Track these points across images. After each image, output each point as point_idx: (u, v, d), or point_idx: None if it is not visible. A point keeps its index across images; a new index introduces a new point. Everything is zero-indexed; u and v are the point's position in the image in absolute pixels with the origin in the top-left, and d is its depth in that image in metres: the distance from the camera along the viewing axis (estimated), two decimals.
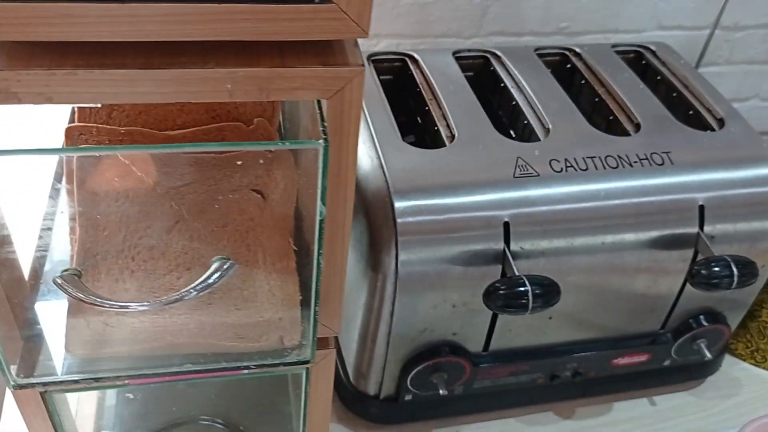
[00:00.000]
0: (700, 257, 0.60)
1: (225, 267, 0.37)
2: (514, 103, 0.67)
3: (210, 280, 0.37)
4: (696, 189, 0.60)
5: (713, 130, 0.66)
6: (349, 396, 0.67)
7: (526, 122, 0.65)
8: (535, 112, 0.65)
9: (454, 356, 0.62)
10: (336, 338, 0.49)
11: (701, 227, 0.60)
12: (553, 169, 0.59)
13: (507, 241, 0.57)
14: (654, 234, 0.60)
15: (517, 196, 0.57)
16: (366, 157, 0.59)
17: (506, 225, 0.56)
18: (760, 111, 1.18)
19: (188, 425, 0.57)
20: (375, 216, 0.56)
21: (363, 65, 0.34)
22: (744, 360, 0.79)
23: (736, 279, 0.57)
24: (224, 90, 0.33)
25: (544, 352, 0.65)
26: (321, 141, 0.33)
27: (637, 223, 0.59)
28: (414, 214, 0.55)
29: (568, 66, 0.74)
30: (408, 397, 0.65)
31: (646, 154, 0.61)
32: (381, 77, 0.71)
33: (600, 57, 0.74)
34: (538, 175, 0.58)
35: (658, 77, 0.75)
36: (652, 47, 0.78)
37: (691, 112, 0.70)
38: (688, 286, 0.64)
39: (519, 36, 0.96)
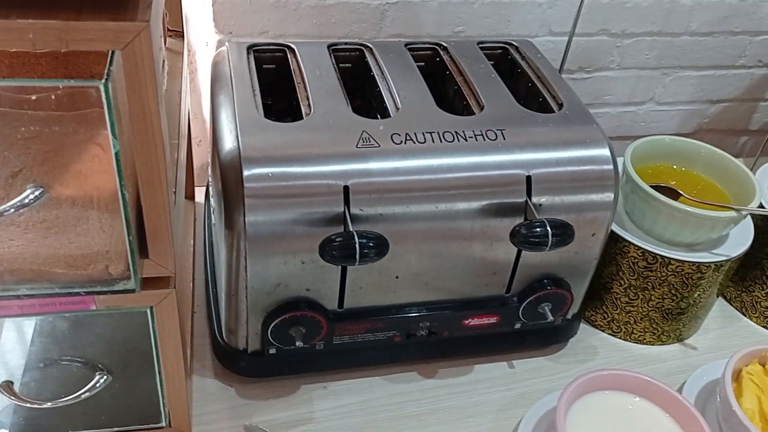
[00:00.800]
0: None
1: (37, 193, 0.44)
2: (378, 90, 0.75)
3: (25, 201, 0.43)
4: (525, 163, 0.68)
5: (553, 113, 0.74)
6: (221, 351, 0.74)
7: (384, 105, 0.72)
8: (392, 96, 0.72)
9: (310, 311, 0.68)
10: (192, 287, 0.55)
11: (529, 197, 0.68)
12: (393, 141, 0.66)
13: (347, 205, 0.64)
14: (486, 203, 0.67)
15: (357, 164, 0.64)
16: (227, 130, 0.66)
17: (346, 190, 0.64)
18: (657, 114, 1.26)
19: (49, 367, 0.63)
20: (228, 181, 0.63)
21: (148, 21, 0.41)
22: (603, 330, 0.86)
23: (551, 239, 0.64)
24: (28, 39, 0.40)
25: (397, 311, 0.72)
26: (102, 81, 0.40)
27: (470, 193, 0.67)
28: (261, 180, 0.62)
29: (437, 59, 0.82)
30: (272, 351, 0.71)
31: (482, 130, 0.69)
32: (265, 66, 0.78)
33: (464, 51, 0.82)
34: (379, 146, 0.66)
35: (519, 70, 0.82)
36: (516, 44, 0.86)
37: (540, 100, 0.77)
38: (524, 251, 0.71)
39: (418, 38, 1.04)
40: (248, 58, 0.76)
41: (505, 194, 0.68)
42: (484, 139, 0.68)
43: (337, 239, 0.61)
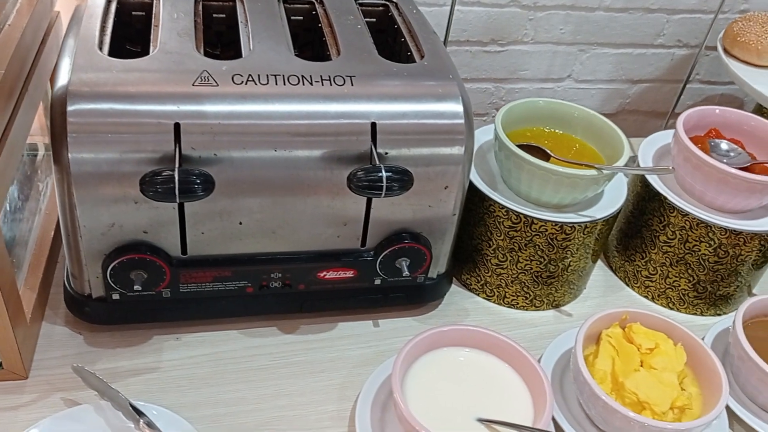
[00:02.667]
0: None
1: None
2: (238, 37, 0.73)
3: None
4: (371, 112, 0.67)
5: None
6: (68, 297, 0.72)
7: (241, 53, 0.71)
8: (249, 41, 0.71)
9: (150, 255, 0.67)
10: None
11: (374, 145, 0.67)
12: (233, 82, 0.65)
13: (178, 143, 0.63)
14: (329, 151, 0.66)
15: (191, 102, 0.63)
16: (64, 66, 0.65)
17: (177, 128, 0.62)
18: (576, 92, 1.26)
19: None
20: (55, 115, 0.62)
21: None
22: (477, 294, 0.85)
23: (385, 183, 0.63)
24: None
25: (246, 260, 0.71)
26: None
27: (312, 140, 0.66)
28: (86, 116, 0.61)
29: (313, 13, 0.81)
30: (116, 296, 0.70)
31: (331, 76, 0.68)
32: (134, 12, 0.77)
33: (339, 6, 0.80)
34: (217, 86, 0.64)
35: (395, 26, 0.81)
36: (396, 1, 0.85)
37: (409, 54, 0.76)
38: (375, 202, 0.70)
39: None
40: (109, 2, 0.75)
41: (349, 143, 0.66)
42: (331, 85, 0.67)
43: (158, 174, 0.60)
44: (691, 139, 0.87)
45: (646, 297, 0.89)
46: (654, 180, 0.84)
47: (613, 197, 0.81)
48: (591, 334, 0.74)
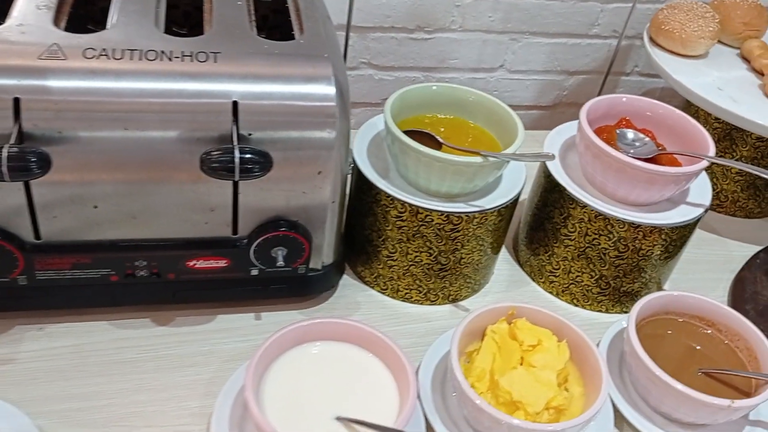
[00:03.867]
0: None
1: None
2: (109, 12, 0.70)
3: None
4: (233, 91, 0.63)
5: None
6: None
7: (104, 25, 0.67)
8: (114, 15, 0.67)
9: None
10: None
11: (236, 126, 0.63)
12: (85, 56, 0.61)
13: (17, 119, 0.59)
14: (187, 131, 0.62)
15: (34, 76, 0.59)
16: None
17: (17, 103, 0.59)
18: (510, 83, 1.22)
19: None
20: None
21: None
22: (372, 287, 0.82)
23: (238, 165, 0.60)
24: None
25: (106, 246, 0.67)
26: None
27: (167, 119, 0.62)
28: None
29: None
30: None
31: (193, 52, 0.64)
32: None
33: None
34: (65, 59, 0.61)
35: (286, 4, 0.78)
36: None
37: (291, 32, 0.72)
38: (243, 187, 0.67)
39: None
40: None
41: (208, 123, 0.62)
42: (192, 61, 0.63)
43: None
44: (600, 128, 0.83)
45: (551, 293, 0.85)
46: (556, 170, 0.80)
47: (512, 187, 0.78)
48: (476, 329, 0.71)
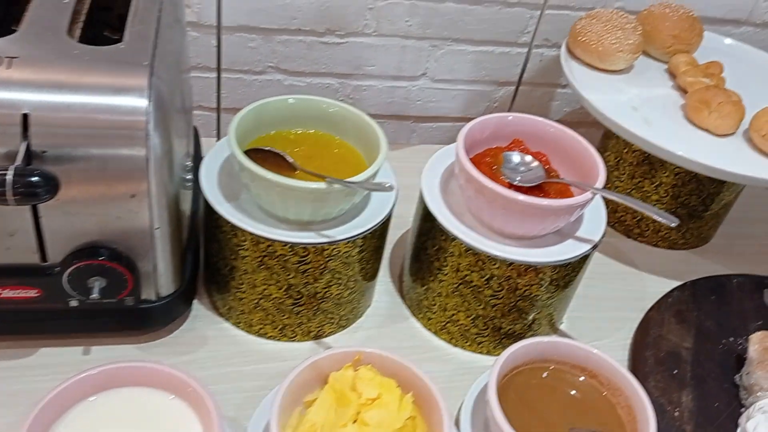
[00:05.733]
0: None
1: None
2: None
3: None
4: (27, 101, 0.55)
5: None
6: None
7: None
8: None
9: None
10: None
11: (27, 141, 0.55)
12: None
13: None
14: None
15: None
16: None
17: None
18: (434, 93, 1.14)
19: None
20: None
21: None
22: (228, 320, 0.74)
23: (10, 188, 0.52)
24: None
25: None
26: None
27: None
28: None
29: None
30: None
31: None
32: None
33: None
34: None
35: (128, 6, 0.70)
36: None
37: (117, 38, 0.64)
38: (44, 210, 0.59)
39: None
40: None
41: None
42: None
43: None
44: (489, 150, 0.75)
45: (430, 330, 0.77)
46: (430, 196, 0.72)
47: (374, 216, 0.70)
48: (320, 375, 0.63)
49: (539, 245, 0.70)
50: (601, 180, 0.69)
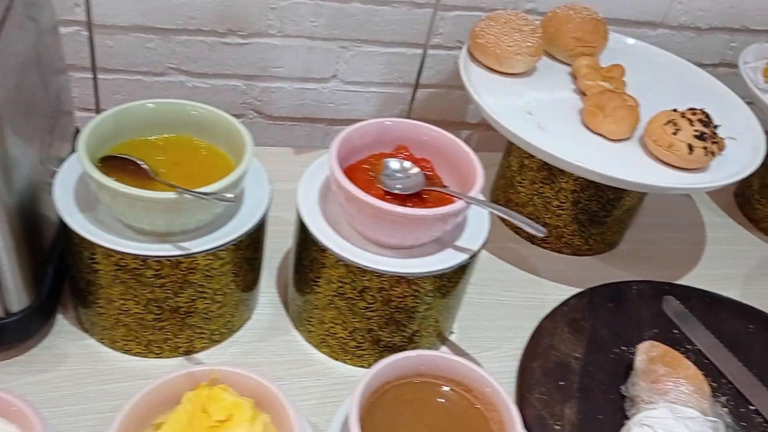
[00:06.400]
0: None
1: None
2: None
3: None
4: None
5: None
6: None
7: None
8: None
9: None
10: None
11: None
12: None
13: None
14: None
15: None
16: None
17: None
18: (346, 95, 1.11)
19: None
20: None
21: None
22: (93, 336, 0.70)
23: None
24: None
25: None
26: None
27: None
28: None
29: None
30: None
31: None
32: None
33: None
34: None
35: None
36: None
37: None
38: None
39: None
40: None
41: None
42: None
43: None
44: (371, 157, 0.72)
45: (311, 343, 0.74)
46: (304, 203, 0.69)
47: (241, 226, 0.66)
48: (172, 395, 0.60)
49: (418, 255, 0.68)
50: (477, 187, 0.67)
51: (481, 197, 0.73)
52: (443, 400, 0.64)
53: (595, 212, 0.88)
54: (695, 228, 1.03)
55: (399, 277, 0.65)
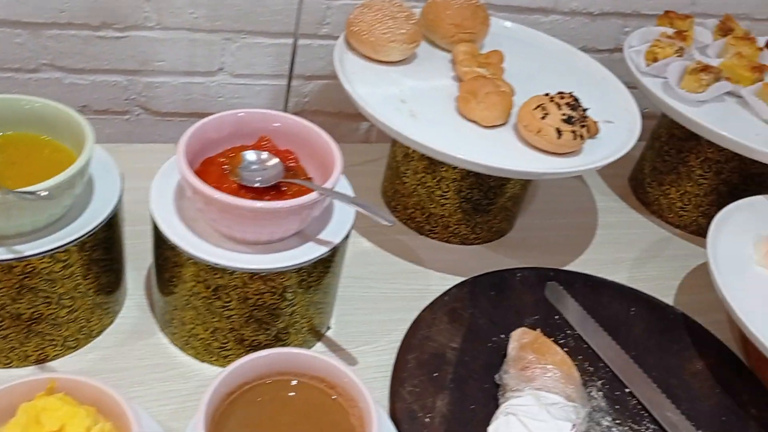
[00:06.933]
0: None
1: None
2: None
3: None
4: None
5: None
6: None
7: None
8: None
9: None
10: None
11: None
12: None
13: None
14: None
15: None
16: None
17: None
18: (236, 88, 1.08)
19: None
20: None
21: None
22: None
23: None
24: None
25: None
26: None
27: None
28: None
29: None
30: None
31: None
32: None
33: None
34: None
35: None
36: None
37: None
38: None
39: None
40: None
41: None
42: None
43: None
44: (230, 150, 0.70)
45: (176, 345, 0.71)
46: (160, 200, 0.66)
47: (84, 226, 0.63)
48: (9, 407, 0.56)
49: (279, 249, 0.65)
50: (333, 179, 0.65)
51: (347, 189, 0.72)
52: (300, 398, 0.62)
53: (478, 201, 0.87)
54: (588, 213, 1.04)
55: (252, 273, 0.62)
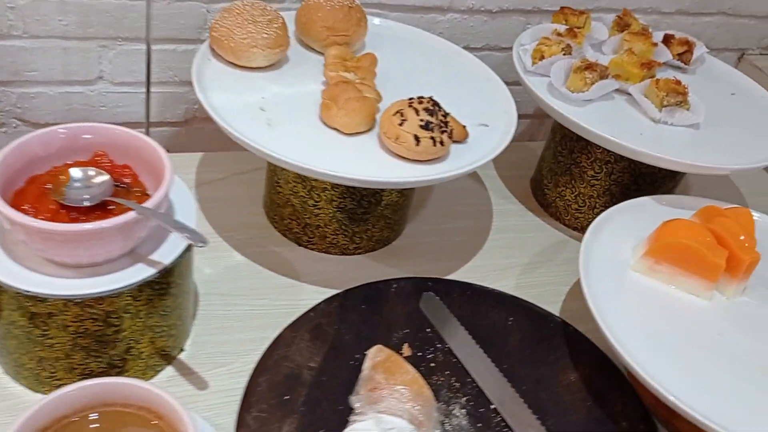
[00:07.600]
0: None
1: None
2: None
3: None
4: None
5: None
6: None
7: None
8: None
9: None
10: None
11: None
12: None
13: None
14: None
15: None
16: None
17: None
18: (120, 97, 1.03)
19: None
20: None
21: None
22: None
23: None
24: None
25: None
26: None
27: None
28: None
29: None
30: None
31: None
32: None
33: None
34: None
35: None
36: None
37: None
38: None
39: None
40: None
41: None
42: None
43: None
44: (59, 168, 0.65)
45: (9, 375, 0.66)
46: None
47: None
48: None
49: (106, 272, 0.61)
50: (157, 197, 0.61)
51: (191, 205, 0.68)
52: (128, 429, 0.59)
53: (353, 210, 0.83)
54: (483, 216, 1.01)
55: (67, 300, 0.58)
